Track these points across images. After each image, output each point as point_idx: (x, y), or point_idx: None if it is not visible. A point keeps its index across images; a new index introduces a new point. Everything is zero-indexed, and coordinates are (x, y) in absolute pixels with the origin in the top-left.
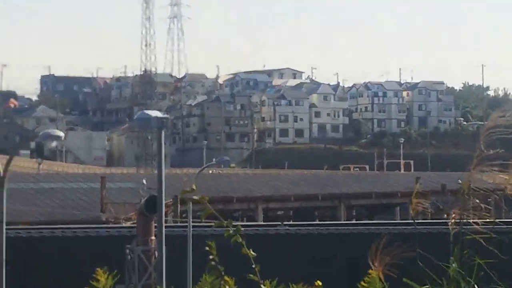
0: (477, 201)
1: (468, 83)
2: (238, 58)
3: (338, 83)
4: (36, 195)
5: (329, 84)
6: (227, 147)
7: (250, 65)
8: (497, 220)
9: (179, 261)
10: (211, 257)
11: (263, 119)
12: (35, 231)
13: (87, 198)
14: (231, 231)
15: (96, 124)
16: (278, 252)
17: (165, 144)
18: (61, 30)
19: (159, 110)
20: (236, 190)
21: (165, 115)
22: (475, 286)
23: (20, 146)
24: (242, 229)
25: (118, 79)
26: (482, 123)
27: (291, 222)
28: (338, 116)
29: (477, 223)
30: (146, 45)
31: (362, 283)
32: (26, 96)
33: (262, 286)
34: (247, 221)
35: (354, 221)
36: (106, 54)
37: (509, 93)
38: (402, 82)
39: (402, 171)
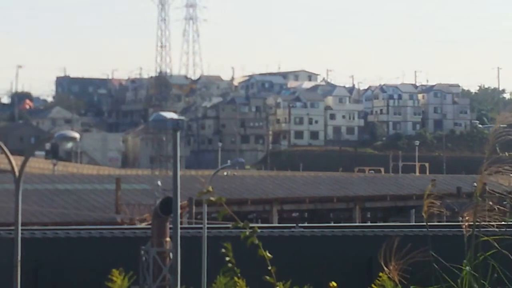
0: (491, 203)
1: (483, 86)
2: (254, 60)
3: (354, 85)
4: (51, 196)
5: (344, 87)
6: (242, 149)
7: (265, 67)
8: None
9: (193, 262)
10: (227, 258)
11: (278, 121)
12: (50, 232)
13: (102, 199)
14: (247, 233)
15: (111, 126)
16: (293, 254)
17: (180, 145)
18: (77, 32)
19: (174, 111)
20: (251, 192)
21: (181, 117)
22: None
23: (35, 147)
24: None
25: (133, 80)
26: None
27: (306, 224)
28: (354, 119)
29: (491, 225)
30: (161, 47)
31: (373, 285)
32: (42, 97)
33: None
34: (261, 223)
35: (369, 223)
36: (122, 56)
37: None
38: (417, 84)
39: (417, 173)
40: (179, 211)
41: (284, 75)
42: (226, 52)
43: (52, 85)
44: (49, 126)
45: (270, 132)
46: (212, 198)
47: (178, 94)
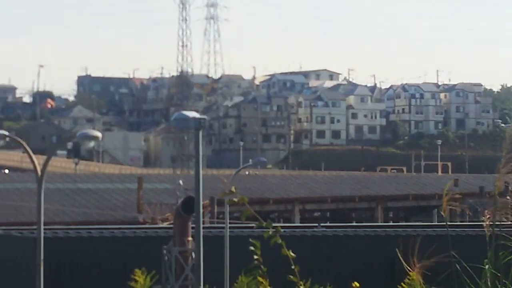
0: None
1: (506, 85)
2: (275, 59)
3: (375, 84)
4: (73, 196)
5: (366, 86)
6: (263, 148)
7: (286, 66)
8: None
9: (215, 262)
10: (255, 257)
11: (299, 120)
12: (72, 231)
13: (124, 199)
14: (270, 232)
15: (132, 125)
16: (315, 253)
17: (201, 145)
18: (98, 31)
19: (196, 111)
20: (273, 191)
21: (203, 116)
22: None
23: (57, 146)
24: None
25: (154, 79)
26: None
27: (328, 224)
28: (375, 118)
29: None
30: (182, 46)
31: (403, 284)
32: (63, 97)
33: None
34: (283, 222)
35: (391, 223)
36: (143, 55)
37: None
38: (439, 83)
39: (439, 173)
40: (201, 210)
41: (306, 74)
42: (247, 52)
43: (73, 85)
44: (70, 125)
45: (292, 131)
46: (234, 199)
47: (199, 93)
